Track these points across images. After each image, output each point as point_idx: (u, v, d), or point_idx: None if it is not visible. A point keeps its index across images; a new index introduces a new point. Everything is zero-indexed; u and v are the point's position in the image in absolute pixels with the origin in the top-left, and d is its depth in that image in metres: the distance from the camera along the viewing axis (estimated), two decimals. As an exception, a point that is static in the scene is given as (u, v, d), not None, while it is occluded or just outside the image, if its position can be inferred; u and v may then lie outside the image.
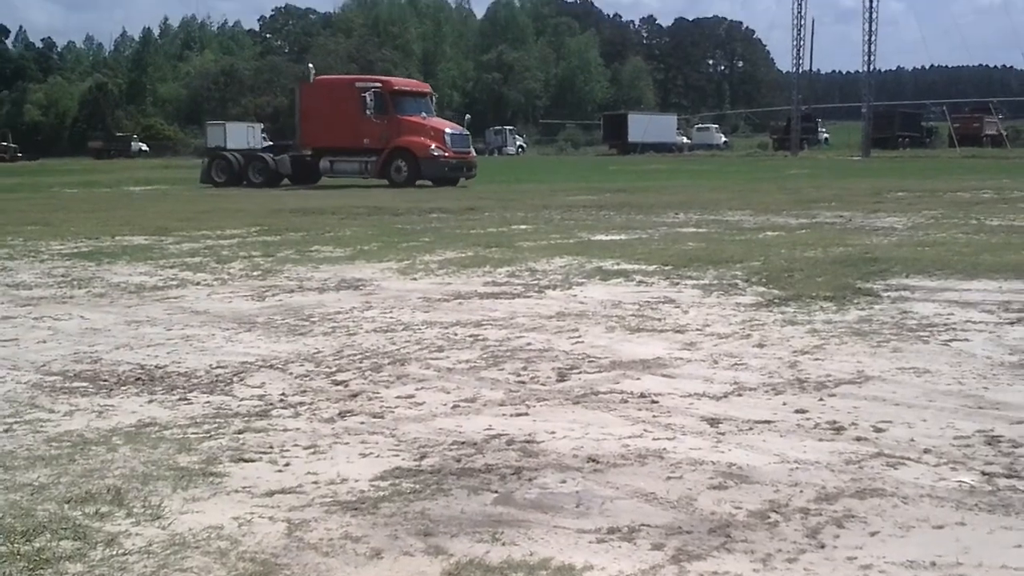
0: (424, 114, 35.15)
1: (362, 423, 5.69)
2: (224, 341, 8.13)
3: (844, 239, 14.66)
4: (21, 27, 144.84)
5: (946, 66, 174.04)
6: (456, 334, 8.23)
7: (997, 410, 5.72)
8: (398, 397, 6.24)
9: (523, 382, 6.61)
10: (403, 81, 38.93)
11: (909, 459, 4.88)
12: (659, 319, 8.77)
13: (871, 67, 73.83)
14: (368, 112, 33.49)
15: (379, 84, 35.04)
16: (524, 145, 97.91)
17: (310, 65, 40.33)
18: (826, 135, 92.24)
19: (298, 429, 5.58)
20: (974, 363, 6.87)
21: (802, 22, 76.44)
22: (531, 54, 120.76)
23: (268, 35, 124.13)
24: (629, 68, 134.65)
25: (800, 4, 75.52)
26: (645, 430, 5.45)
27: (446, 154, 33.77)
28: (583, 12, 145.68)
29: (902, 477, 4.62)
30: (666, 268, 11.79)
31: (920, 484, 4.52)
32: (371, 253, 13.93)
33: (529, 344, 7.79)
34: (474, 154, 37.08)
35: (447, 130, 34.71)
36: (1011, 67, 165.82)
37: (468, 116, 45.75)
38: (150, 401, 6.24)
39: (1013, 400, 5.91)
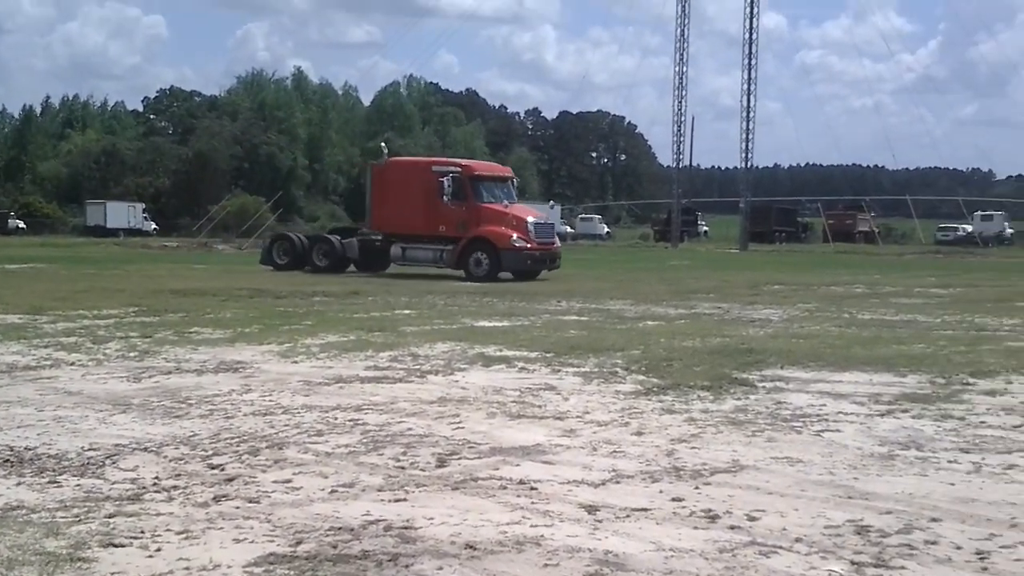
0: (506, 201, 31.96)
1: (237, 508, 5.60)
2: (97, 423, 7.96)
3: (722, 330, 14.92)
4: None
5: (821, 164, 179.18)
6: (336, 418, 8.17)
7: (866, 500, 5.84)
8: (275, 482, 6.17)
9: (403, 467, 6.58)
10: (483, 165, 35.25)
11: (781, 548, 4.96)
12: (540, 406, 8.82)
13: (749, 163, 75.70)
14: (445, 198, 30.53)
15: (459, 168, 31.82)
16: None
17: (383, 145, 37.24)
18: (705, 228, 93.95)
19: (171, 513, 5.47)
20: (845, 453, 7.03)
21: (682, 119, 78.10)
22: (418, 142, 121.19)
23: (152, 116, 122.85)
24: (514, 158, 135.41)
25: (680, 101, 77.22)
26: (523, 517, 5.46)
27: (529, 245, 30.60)
28: (469, 102, 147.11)
29: (774, 566, 4.69)
30: (548, 355, 11.87)
31: (791, 573, 4.60)
32: (252, 335, 13.79)
33: (410, 429, 7.76)
34: (558, 244, 33.97)
35: (530, 219, 31.52)
36: (882, 167, 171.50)
37: (552, 203, 43.28)
38: (18, 484, 6.08)
39: (881, 490, 6.04)
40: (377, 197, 32.61)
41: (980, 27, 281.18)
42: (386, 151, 35.12)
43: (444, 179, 30.64)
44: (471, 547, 4.93)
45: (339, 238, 32.96)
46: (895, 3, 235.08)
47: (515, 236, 30.32)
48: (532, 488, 6.05)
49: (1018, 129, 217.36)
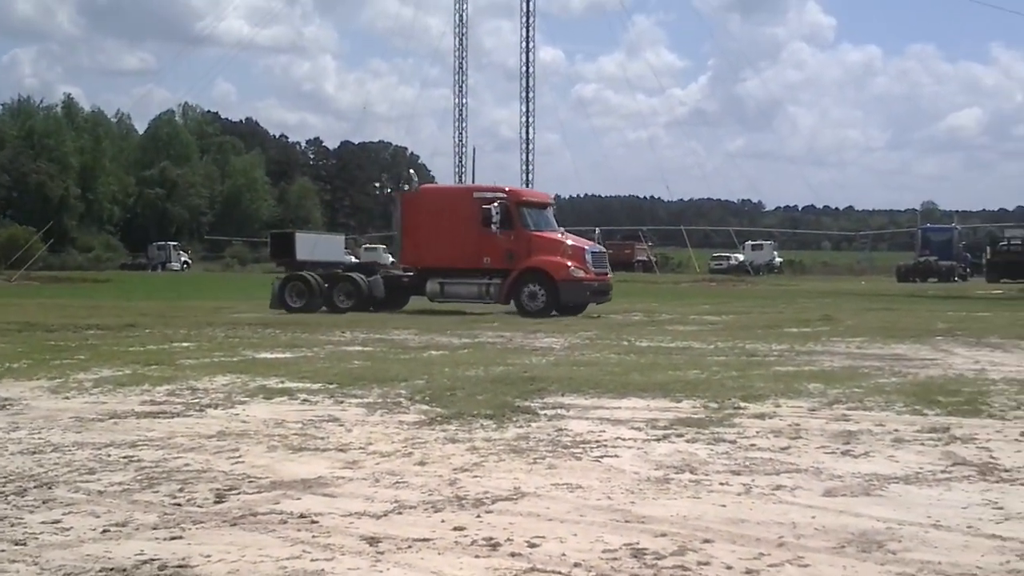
0: (560, 229, 30.21)
1: (3, 551, 5.35)
2: None
3: (505, 358, 15.07)
4: None
5: (600, 195, 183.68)
6: (109, 455, 7.91)
7: (643, 523, 5.98)
8: (43, 522, 5.92)
9: (179, 504, 6.40)
10: (527, 191, 32.11)
11: (560, 573, 5.02)
12: (322, 438, 8.72)
13: (531, 194, 76.96)
14: (493, 227, 28.18)
15: (504, 194, 29.37)
16: (189, 261, 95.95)
17: (411, 172, 33.54)
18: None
19: (-71, 560, 5.19)
20: (623, 478, 7.17)
21: (464, 149, 79.17)
22: (196, 171, 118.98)
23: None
24: (296, 188, 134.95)
25: (461, 133, 78.44)
26: (304, 551, 5.38)
27: (587, 276, 28.47)
28: (248, 132, 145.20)
29: (554, 590, 4.75)
30: (331, 386, 11.76)
31: (571, 597, 4.66)
32: (20, 371, 13.23)
33: (187, 465, 7.57)
34: (611, 275, 31.56)
35: (587, 248, 29.63)
36: (658, 198, 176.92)
37: (598, 231, 40.01)
38: None
39: (657, 513, 6.19)
40: (409, 228, 30.12)
41: (746, 64, 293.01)
42: (416, 179, 32.58)
43: (491, 206, 28.32)
44: (250, 584, 4.84)
45: (363, 275, 30.28)
46: (666, 39, 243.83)
47: (573, 266, 28.18)
48: (313, 521, 5.97)
49: (783, 162, 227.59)
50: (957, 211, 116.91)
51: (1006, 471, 7.44)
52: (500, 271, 28.40)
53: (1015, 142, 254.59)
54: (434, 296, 29.25)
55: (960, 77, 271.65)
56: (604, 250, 31.84)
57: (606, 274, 30.01)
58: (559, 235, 29.66)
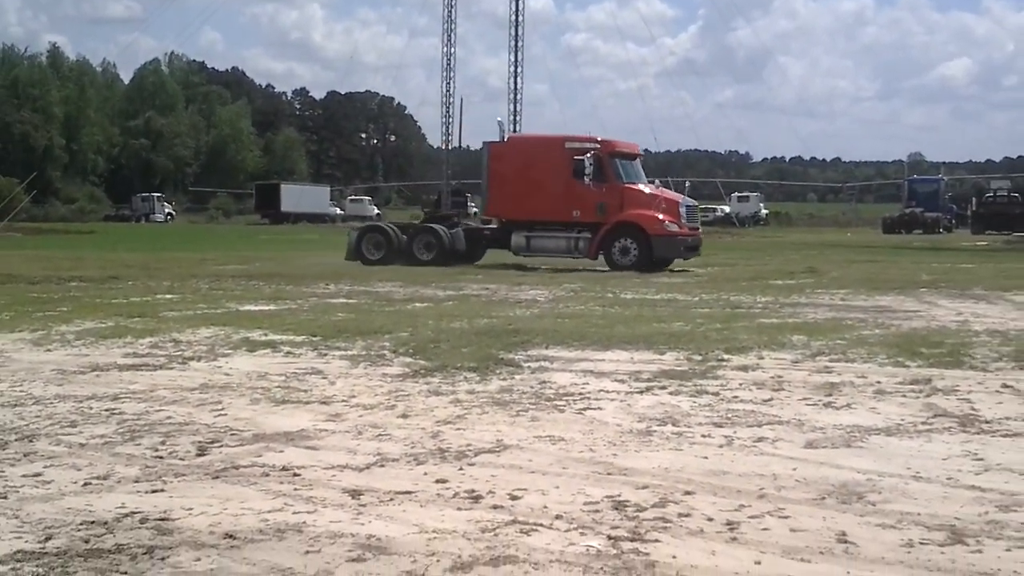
0: (651, 181, 29.10)
1: (-18, 504, 5.35)
2: None
3: (489, 311, 15.06)
4: None
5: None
6: (91, 408, 7.90)
7: (625, 475, 5.99)
8: (24, 476, 5.92)
9: (161, 457, 6.40)
10: (619, 142, 29.78)
11: (542, 525, 5.03)
12: (305, 390, 8.72)
13: (518, 145, 76.74)
14: (586, 178, 26.97)
15: (597, 144, 27.94)
16: (173, 213, 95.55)
17: (500, 120, 31.44)
18: (475, 209, 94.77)
19: (-91, 513, 5.18)
20: (605, 431, 7.19)
21: (451, 100, 78.64)
22: (180, 121, 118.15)
23: None
24: (282, 139, 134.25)
25: (449, 83, 77.76)
26: (286, 503, 5.39)
27: (682, 230, 27.47)
28: (234, 81, 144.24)
29: (534, 543, 4.76)
30: (315, 339, 11.75)
31: (551, 550, 4.67)
32: (1, 323, 13.19)
33: (169, 418, 7.56)
34: (700, 230, 30.52)
35: (681, 201, 28.26)
36: (647, 149, 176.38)
37: (688, 183, 37.56)
38: None
39: (639, 466, 6.21)
40: (495, 180, 28.83)
41: (737, 13, 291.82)
42: (504, 127, 30.49)
43: (584, 157, 27.06)
44: (231, 536, 4.84)
45: (445, 228, 29.05)
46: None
47: (667, 220, 27.07)
48: (295, 474, 5.97)
49: (773, 113, 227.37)
50: (944, 162, 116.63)
51: (986, 423, 7.48)
52: (590, 225, 27.40)
53: (1004, 92, 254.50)
54: (519, 249, 28.28)
55: (951, 26, 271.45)
56: (696, 204, 30.74)
57: (698, 229, 29.33)
58: (654, 188, 28.93)
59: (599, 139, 28.38)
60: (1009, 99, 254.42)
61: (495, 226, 29.35)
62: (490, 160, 29.17)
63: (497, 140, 29.77)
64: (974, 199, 74.23)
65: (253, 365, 10.05)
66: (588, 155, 27.12)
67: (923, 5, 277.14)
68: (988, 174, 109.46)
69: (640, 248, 26.93)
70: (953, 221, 74.14)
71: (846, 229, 78.12)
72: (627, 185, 27.80)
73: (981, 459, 6.41)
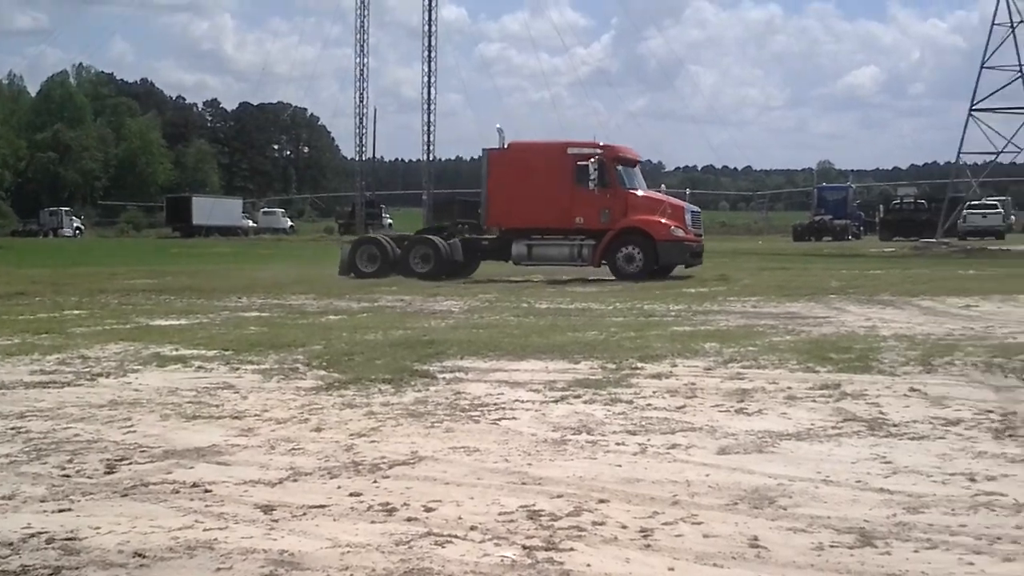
0: (660, 187, 28.66)
1: None
2: None
3: (404, 322, 15.02)
4: None
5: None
6: (-4, 427, 7.72)
7: (539, 485, 6.00)
8: (-75, 498, 5.77)
9: (68, 476, 6.28)
10: (624, 148, 29.24)
11: (456, 537, 5.02)
12: (217, 405, 8.62)
13: (431, 156, 76.87)
14: (591, 185, 26.55)
15: (600, 150, 27.38)
16: (82, 227, 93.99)
17: (499, 126, 29.97)
18: (390, 220, 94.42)
19: None
20: (520, 440, 7.19)
21: (364, 111, 78.41)
22: (89, 134, 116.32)
23: None
24: (193, 151, 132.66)
25: (362, 93, 77.55)
26: (196, 520, 5.31)
27: (687, 237, 27.15)
28: (144, 93, 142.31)
29: (448, 555, 4.75)
30: (227, 353, 11.62)
31: (465, 561, 4.66)
32: (-97, 342, 12.87)
33: (77, 435, 7.43)
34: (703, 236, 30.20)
35: (687, 207, 28.15)
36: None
37: (688, 190, 36.81)
38: None
39: (553, 475, 6.22)
40: (495, 187, 28.18)
41: (649, 23, 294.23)
42: (503, 134, 29.26)
43: (588, 163, 26.63)
44: (140, 555, 4.76)
45: (441, 239, 28.28)
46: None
47: (673, 226, 26.74)
48: (206, 490, 5.89)
49: (685, 122, 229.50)
50: (852, 170, 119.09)
51: (894, 426, 7.61)
52: (593, 232, 26.94)
53: (911, 100, 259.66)
54: (520, 259, 27.71)
55: (858, 35, 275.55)
56: (700, 210, 30.52)
57: (701, 235, 29.01)
58: (658, 193, 28.56)
59: (601, 144, 27.91)
60: (915, 107, 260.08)
61: (494, 236, 28.76)
62: (489, 168, 28.53)
63: (496, 147, 28.86)
64: (882, 206, 75.66)
65: (163, 380, 9.91)
66: (592, 160, 26.74)
67: (831, 14, 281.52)
68: (895, 181, 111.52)
69: (646, 254, 26.60)
70: (861, 228, 75.30)
71: (757, 237, 79.13)
72: (631, 191, 27.56)
73: (889, 462, 6.52)
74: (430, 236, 28.74)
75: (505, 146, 28.65)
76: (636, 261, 26.58)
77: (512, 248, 27.58)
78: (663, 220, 26.80)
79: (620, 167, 27.68)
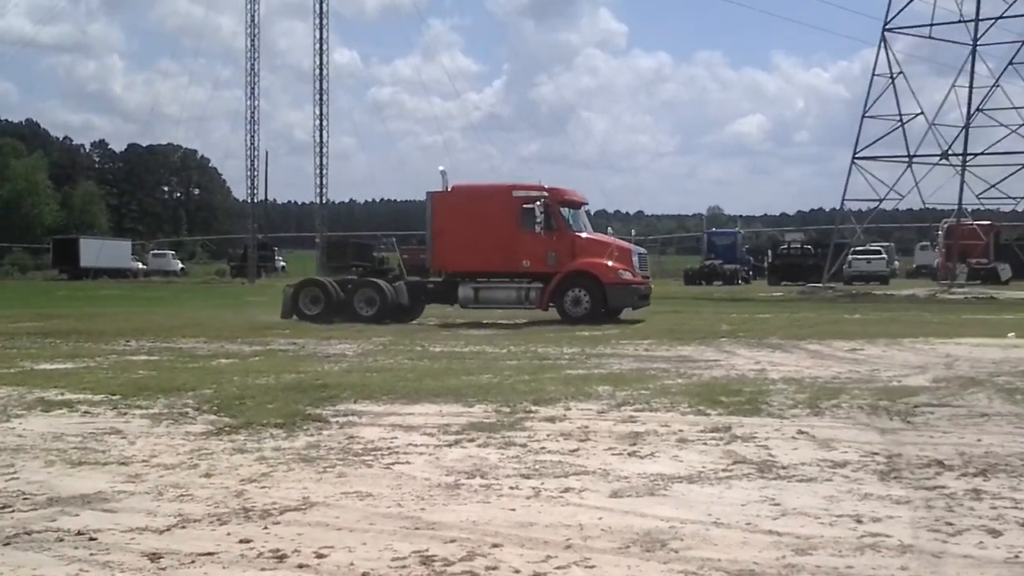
0: (599, 230, 28.58)
1: None
2: None
3: (297, 366, 14.88)
4: None
5: (395, 200, 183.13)
6: None
7: (433, 530, 5.97)
8: None
9: (-53, 525, 6.09)
10: (570, 191, 28.88)
11: (348, 583, 4.97)
12: (103, 451, 8.44)
13: (324, 198, 76.52)
14: (537, 228, 26.51)
15: (546, 193, 27.22)
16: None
17: (442, 169, 29.50)
18: (283, 263, 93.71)
19: None
20: (413, 485, 7.16)
21: (256, 153, 77.75)
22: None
23: None
24: (80, 192, 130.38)
25: (253, 136, 76.89)
26: (81, 569, 5.20)
27: (634, 279, 27.16)
28: (30, 133, 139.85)
29: (341, 601, 4.70)
30: (114, 397, 11.40)
31: (358, 607, 4.62)
32: None
33: (-44, 483, 7.21)
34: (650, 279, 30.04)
35: (634, 249, 27.96)
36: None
37: (633, 231, 36.38)
38: None
39: (447, 519, 6.20)
40: (439, 230, 27.94)
41: (540, 69, 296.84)
42: (446, 176, 28.94)
43: (534, 206, 26.63)
44: (22, 606, 4.63)
45: (386, 282, 27.91)
46: (461, 43, 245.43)
47: (620, 268, 26.80)
48: (91, 539, 5.76)
49: (577, 167, 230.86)
50: (741, 215, 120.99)
51: (783, 468, 7.72)
52: (540, 275, 26.95)
53: (796, 148, 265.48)
54: (467, 302, 27.50)
55: (744, 83, 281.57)
56: (646, 252, 30.68)
57: (648, 277, 29.04)
58: (605, 236, 28.48)
59: (547, 187, 27.80)
60: (801, 154, 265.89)
61: (439, 279, 28.58)
62: (433, 211, 28.28)
63: (439, 190, 28.62)
64: (770, 251, 77.11)
65: (48, 426, 9.68)
66: (538, 203, 26.76)
67: (718, 62, 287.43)
68: (782, 227, 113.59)
69: (593, 297, 26.62)
70: (751, 272, 76.50)
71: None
72: (578, 234, 27.54)
73: (778, 504, 6.61)
74: (375, 279, 28.33)
75: (448, 189, 28.47)
76: (583, 304, 26.60)
77: (459, 291, 27.43)
78: (610, 263, 26.85)
79: (566, 209, 27.68)
